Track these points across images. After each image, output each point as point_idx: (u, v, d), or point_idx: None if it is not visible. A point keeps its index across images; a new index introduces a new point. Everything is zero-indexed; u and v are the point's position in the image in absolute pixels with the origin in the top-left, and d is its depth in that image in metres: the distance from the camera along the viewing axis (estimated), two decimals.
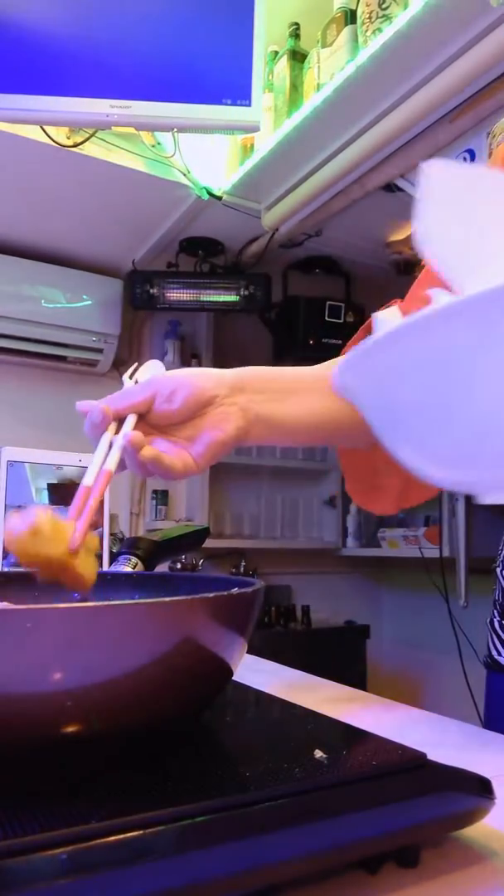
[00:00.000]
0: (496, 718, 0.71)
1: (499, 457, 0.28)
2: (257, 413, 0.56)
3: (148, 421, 0.54)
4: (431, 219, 0.32)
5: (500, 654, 0.69)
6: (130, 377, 0.62)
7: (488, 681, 0.72)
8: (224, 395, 0.55)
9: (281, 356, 2.59)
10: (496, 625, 0.70)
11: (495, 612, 0.71)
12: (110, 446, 0.52)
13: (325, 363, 0.65)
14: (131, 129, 1.62)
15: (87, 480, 0.50)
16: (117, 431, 0.53)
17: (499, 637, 0.70)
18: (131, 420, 0.54)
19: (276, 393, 0.58)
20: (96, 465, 0.51)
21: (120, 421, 0.54)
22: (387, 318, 0.33)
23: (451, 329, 0.25)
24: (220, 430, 0.54)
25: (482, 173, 0.34)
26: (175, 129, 1.72)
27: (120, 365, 2.66)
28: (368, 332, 0.69)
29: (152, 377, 0.56)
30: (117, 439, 0.52)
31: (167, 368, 0.59)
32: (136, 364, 0.64)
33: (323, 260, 2.55)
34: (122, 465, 0.52)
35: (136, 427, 0.53)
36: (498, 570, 0.73)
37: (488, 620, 0.72)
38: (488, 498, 0.33)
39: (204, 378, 0.54)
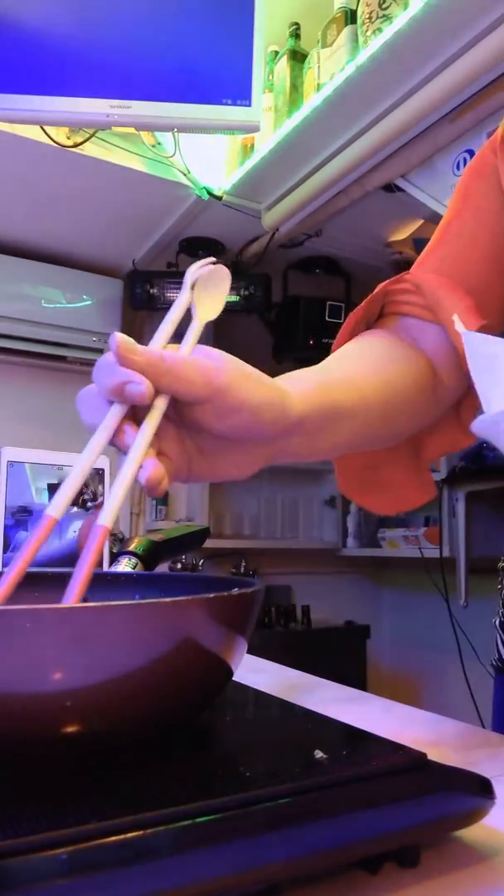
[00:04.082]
0: None
1: None
2: (290, 451, 0.46)
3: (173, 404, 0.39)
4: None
5: None
6: (192, 285, 0.45)
7: (497, 685, 0.69)
8: (276, 441, 0.43)
9: (281, 356, 2.59)
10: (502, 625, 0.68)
11: (501, 611, 0.68)
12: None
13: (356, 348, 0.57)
14: (131, 129, 1.62)
15: (55, 509, 0.37)
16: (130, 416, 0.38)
17: None
18: (161, 407, 0.38)
19: (324, 431, 0.47)
20: (85, 462, 0.38)
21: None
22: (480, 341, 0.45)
23: None
24: (242, 469, 0.44)
25: None
26: (175, 129, 1.71)
27: None
28: (359, 316, 0.61)
29: (221, 363, 0.40)
30: (132, 457, 0.37)
31: None
32: (205, 262, 0.45)
33: (323, 260, 2.55)
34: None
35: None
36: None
37: (496, 622, 0.69)
38: None
39: (269, 415, 0.41)
